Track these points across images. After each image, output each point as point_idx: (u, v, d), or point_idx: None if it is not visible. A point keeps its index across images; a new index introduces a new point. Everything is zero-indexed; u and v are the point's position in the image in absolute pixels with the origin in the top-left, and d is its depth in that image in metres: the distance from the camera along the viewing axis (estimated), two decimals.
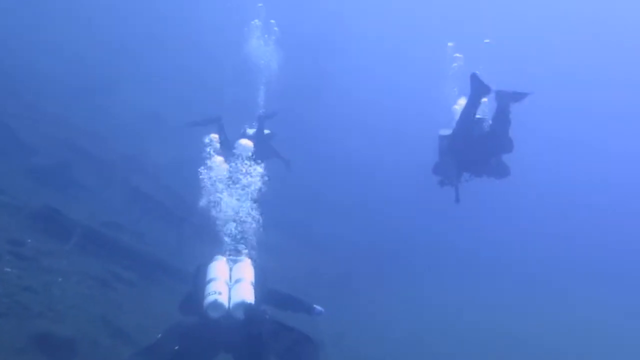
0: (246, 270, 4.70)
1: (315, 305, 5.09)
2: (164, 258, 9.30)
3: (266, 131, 8.39)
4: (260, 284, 4.68)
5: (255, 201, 5.89)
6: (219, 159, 6.17)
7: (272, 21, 10.48)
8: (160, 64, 23.56)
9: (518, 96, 6.30)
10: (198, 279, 4.65)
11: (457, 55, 7.54)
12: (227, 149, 6.58)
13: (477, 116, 6.56)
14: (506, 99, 6.31)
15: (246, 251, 5.21)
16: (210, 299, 4.32)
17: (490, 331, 12.31)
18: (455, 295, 15.04)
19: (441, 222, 20.97)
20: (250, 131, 8.34)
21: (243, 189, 5.91)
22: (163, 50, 24.99)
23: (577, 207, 25.40)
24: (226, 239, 5.50)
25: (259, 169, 6.06)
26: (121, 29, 24.41)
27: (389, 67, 30.10)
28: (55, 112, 14.65)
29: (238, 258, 4.89)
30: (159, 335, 4.58)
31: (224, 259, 4.83)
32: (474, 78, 6.26)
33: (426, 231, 20.29)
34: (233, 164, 6.04)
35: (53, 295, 6.34)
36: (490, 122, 6.44)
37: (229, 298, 4.41)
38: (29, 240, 7.57)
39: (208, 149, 6.25)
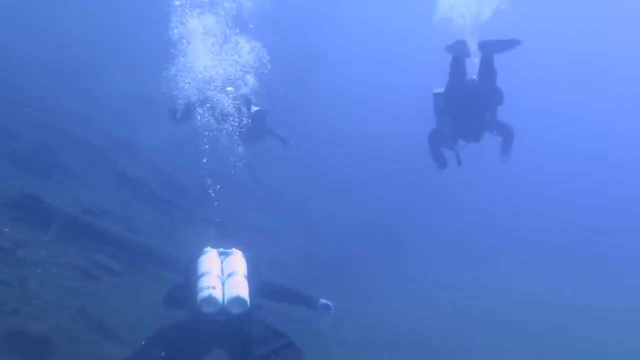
0: (238, 263, 4.50)
1: (322, 300, 4.86)
2: (153, 245, 8.77)
3: (255, 108, 7.81)
4: (253, 277, 4.48)
5: None
6: None
7: None
8: (147, 44, 22.76)
9: (502, 45, 6.01)
10: (188, 274, 4.47)
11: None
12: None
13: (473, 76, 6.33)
14: (489, 49, 6.03)
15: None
16: (204, 294, 4.16)
17: (490, 316, 12.00)
18: (455, 279, 14.70)
19: (440, 203, 20.64)
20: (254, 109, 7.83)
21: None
22: (150, 29, 24.14)
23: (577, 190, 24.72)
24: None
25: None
26: (105, 8, 23.50)
27: (384, 42, 29.27)
28: (37, 95, 14.02)
29: (228, 251, 4.65)
30: (145, 341, 4.25)
31: (214, 251, 4.61)
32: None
33: (425, 212, 19.89)
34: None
35: (29, 289, 5.90)
36: (476, 77, 6.20)
37: (223, 293, 4.24)
38: (6, 230, 7.11)
39: None
